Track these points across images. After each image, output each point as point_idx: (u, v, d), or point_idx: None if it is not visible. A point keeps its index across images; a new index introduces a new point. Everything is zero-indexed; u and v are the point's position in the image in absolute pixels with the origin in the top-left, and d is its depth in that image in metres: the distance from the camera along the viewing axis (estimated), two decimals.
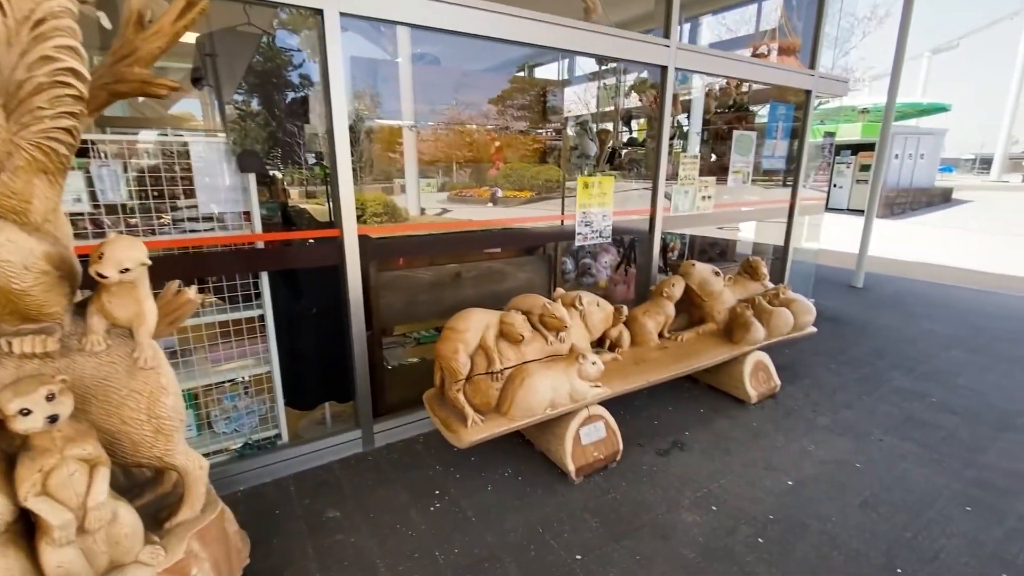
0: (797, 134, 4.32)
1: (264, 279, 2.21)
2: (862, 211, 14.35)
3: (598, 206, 3.03)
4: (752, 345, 3.00)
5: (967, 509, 2.13)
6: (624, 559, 1.86)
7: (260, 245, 2.16)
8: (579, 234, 3.00)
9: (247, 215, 2.11)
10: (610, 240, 3.19)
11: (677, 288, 3.00)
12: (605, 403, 2.40)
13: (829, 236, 7.63)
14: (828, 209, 9.38)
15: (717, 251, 4.28)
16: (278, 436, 2.41)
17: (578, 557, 1.87)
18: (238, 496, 2.21)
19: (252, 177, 2.08)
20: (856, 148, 13.90)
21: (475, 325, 2.12)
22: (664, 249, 3.87)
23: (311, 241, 2.36)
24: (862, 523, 2.05)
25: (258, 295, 2.21)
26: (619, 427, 2.45)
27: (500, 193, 4.62)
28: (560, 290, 2.58)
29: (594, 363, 2.23)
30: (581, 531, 2.00)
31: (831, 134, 5.17)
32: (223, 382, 2.34)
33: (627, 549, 1.91)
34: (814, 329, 3.30)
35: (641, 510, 2.12)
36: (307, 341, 2.55)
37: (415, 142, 4.51)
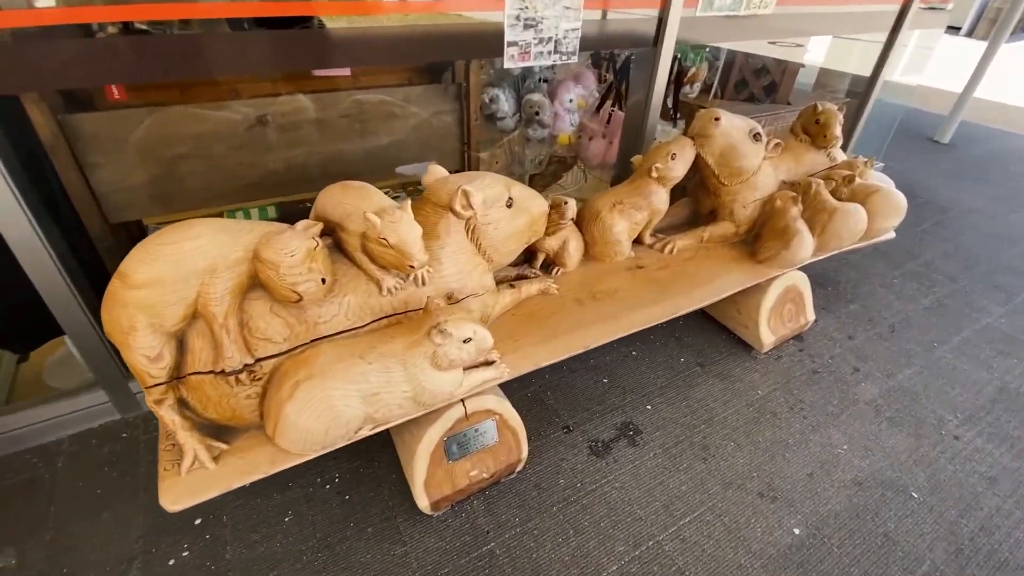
0: None
1: None
2: (958, 28, 11.14)
3: None
4: (789, 267, 1.80)
5: None
6: None
7: None
8: (511, 45, 1.56)
9: None
10: (578, 58, 1.75)
11: (679, 164, 1.68)
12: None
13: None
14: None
15: (764, 84, 2.72)
16: None
17: None
18: None
19: None
20: None
21: (176, 270, 0.93)
22: (679, 77, 2.38)
23: None
24: None
25: None
26: (539, 395, 1.45)
27: None
28: (435, 170, 1.30)
29: (467, 340, 1.09)
30: None
31: None
32: None
33: None
34: (892, 234, 2.05)
35: None
36: None
37: None
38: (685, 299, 1.60)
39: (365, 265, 1.12)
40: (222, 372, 0.98)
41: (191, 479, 1.02)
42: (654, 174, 1.67)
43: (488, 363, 1.29)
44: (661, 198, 1.72)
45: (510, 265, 1.64)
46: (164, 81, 1.67)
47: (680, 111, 2.57)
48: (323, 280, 1.01)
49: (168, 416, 1.01)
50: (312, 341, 1.07)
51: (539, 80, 1.96)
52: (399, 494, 1.40)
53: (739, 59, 2.64)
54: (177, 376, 0.99)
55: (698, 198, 1.97)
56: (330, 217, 1.13)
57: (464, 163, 1.85)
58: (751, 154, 1.74)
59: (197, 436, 1.03)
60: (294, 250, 0.97)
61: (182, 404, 1.04)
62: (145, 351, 0.93)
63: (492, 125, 1.98)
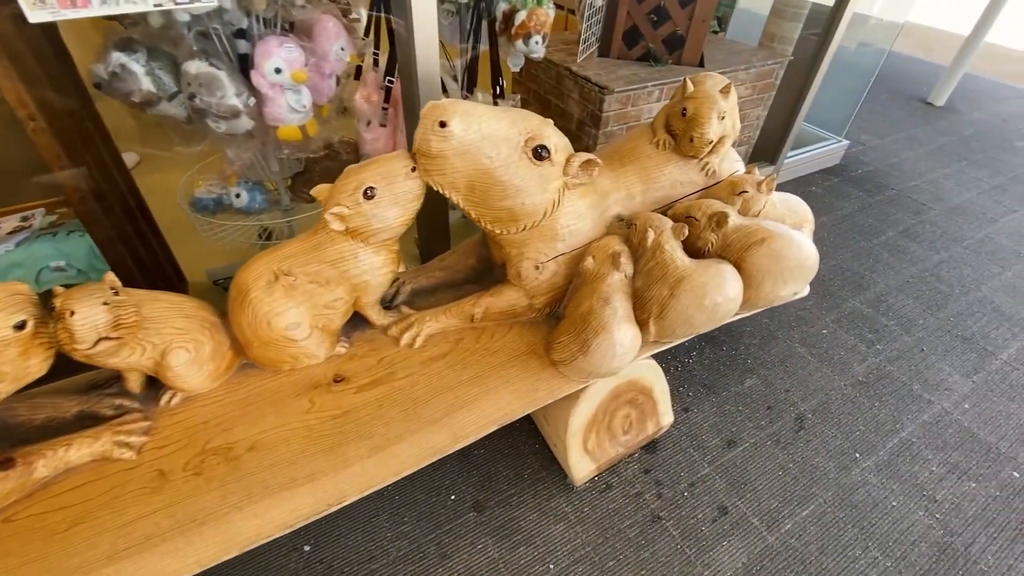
0: None
1: None
2: None
3: None
4: (589, 379, 1.07)
5: None
6: None
7: None
8: None
9: None
10: None
11: (384, 207, 0.91)
12: None
13: None
14: None
15: (665, 35, 1.82)
16: None
17: None
18: None
19: None
20: None
21: None
22: (494, 25, 1.48)
23: None
24: None
25: None
26: None
27: None
28: None
29: None
30: None
31: None
32: None
33: None
34: (805, 292, 1.30)
35: None
36: None
37: None
38: (376, 464, 0.89)
39: None
40: None
41: None
42: (335, 225, 0.91)
43: None
44: (365, 265, 0.97)
45: (80, 391, 0.92)
46: None
47: (522, 77, 1.73)
48: None
49: None
50: None
51: (198, 34, 1.10)
52: None
53: None
54: None
55: (488, 243, 1.21)
56: None
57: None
58: (530, 184, 0.97)
59: None
60: None
61: None
62: None
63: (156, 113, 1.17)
